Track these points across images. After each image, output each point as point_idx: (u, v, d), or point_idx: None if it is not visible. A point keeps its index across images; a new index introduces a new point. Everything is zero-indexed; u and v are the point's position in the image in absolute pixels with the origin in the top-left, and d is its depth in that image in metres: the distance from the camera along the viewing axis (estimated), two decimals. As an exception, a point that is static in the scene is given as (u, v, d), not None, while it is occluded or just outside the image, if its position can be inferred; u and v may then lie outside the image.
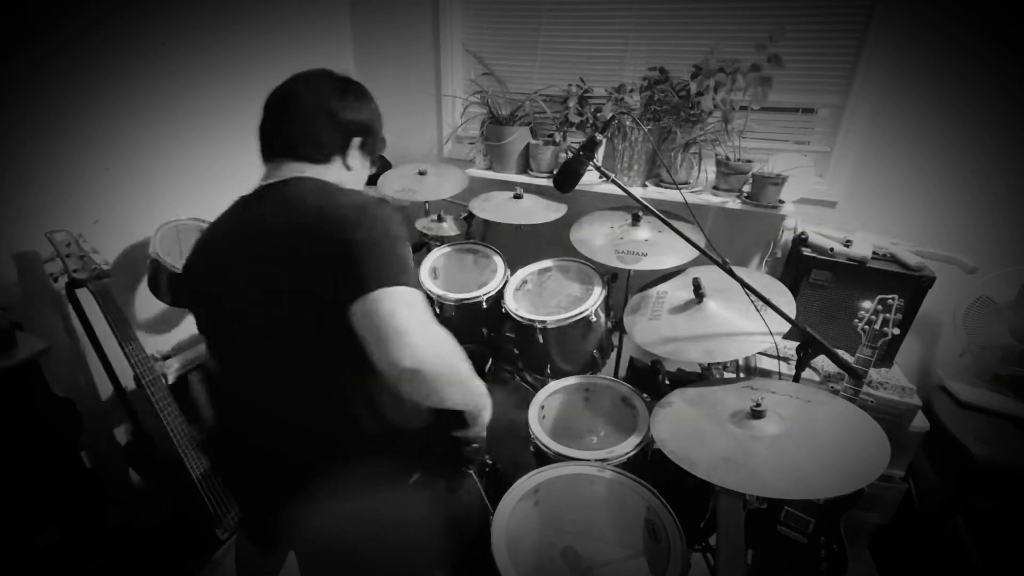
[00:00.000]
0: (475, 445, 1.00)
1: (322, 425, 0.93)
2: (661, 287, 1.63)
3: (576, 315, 1.62)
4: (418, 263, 1.96)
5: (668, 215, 1.37)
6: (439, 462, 1.02)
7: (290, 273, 0.84)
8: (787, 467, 1.03)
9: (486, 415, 0.98)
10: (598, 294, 1.69)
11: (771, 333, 1.30)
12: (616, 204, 1.94)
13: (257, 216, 0.91)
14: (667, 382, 1.81)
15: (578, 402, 1.67)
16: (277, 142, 0.95)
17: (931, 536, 1.65)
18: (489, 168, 2.24)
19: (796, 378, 1.39)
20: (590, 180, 1.77)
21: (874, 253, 1.68)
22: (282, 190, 0.92)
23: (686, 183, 1.95)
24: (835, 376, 1.65)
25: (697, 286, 1.46)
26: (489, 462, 1.39)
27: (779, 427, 1.13)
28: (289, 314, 0.85)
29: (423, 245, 2.14)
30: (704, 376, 1.74)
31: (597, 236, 1.79)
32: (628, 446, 1.39)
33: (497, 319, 1.82)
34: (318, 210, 0.85)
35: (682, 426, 1.21)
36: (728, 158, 1.86)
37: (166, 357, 1.74)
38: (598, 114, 2.03)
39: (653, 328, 1.47)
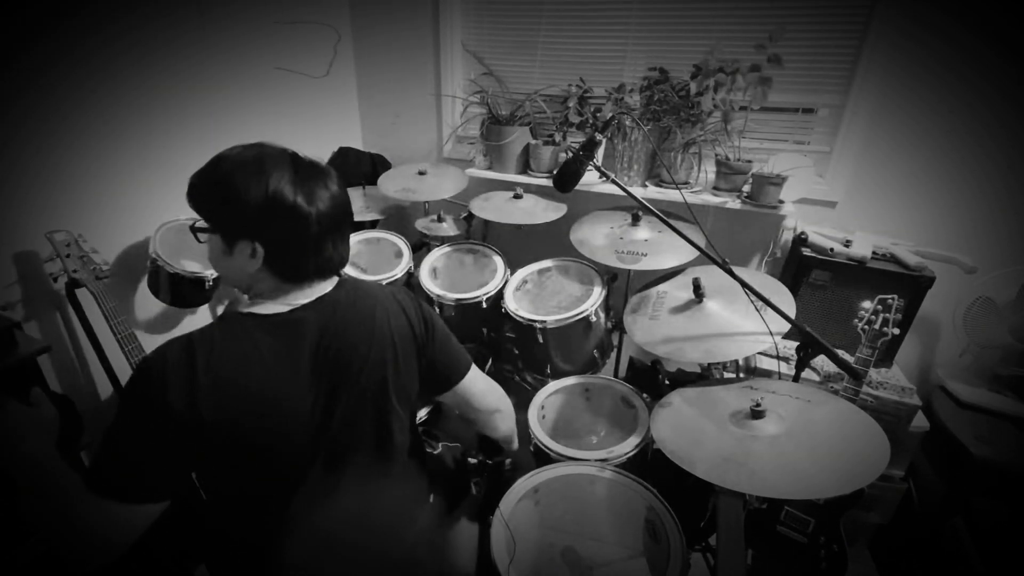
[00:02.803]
0: (510, 462, 1.31)
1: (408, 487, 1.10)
2: (661, 287, 1.62)
3: (576, 315, 1.62)
4: (418, 263, 1.96)
5: (668, 215, 1.37)
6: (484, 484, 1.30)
7: (400, 366, 0.99)
8: (787, 467, 1.03)
9: (516, 441, 1.30)
10: (598, 294, 1.69)
11: (771, 333, 1.30)
12: (616, 204, 1.94)
13: (331, 323, 0.90)
14: (667, 382, 1.81)
15: (578, 402, 1.67)
16: (327, 266, 0.92)
17: (931, 536, 1.65)
18: (489, 168, 2.24)
19: (796, 378, 1.39)
20: (590, 180, 1.77)
21: (874, 253, 1.68)
22: (337, 297, 0.93)
23: (686, 183, 1.95)
24: (835, 376, 1.65)
25: (697, 286, 1.46)
26: (489, 461, 1.40)
27: (779, 427, 1.13)
28: (409, 389, 1.03)
29: (423, 245, 2.14)
30: (704, 376, 1.74)
31: (597, 236, 1.79)
32: (628, 446, 1.39)
33: (497, 319, 1.82)
34: (398, 311, 1.01)
35: (682, 426, 1.22)
36: (728, 158, 1.86)
37: (166, 357, 1.74)
38: (598, 114, 2.03)
39: (653, 328, 1.47)
